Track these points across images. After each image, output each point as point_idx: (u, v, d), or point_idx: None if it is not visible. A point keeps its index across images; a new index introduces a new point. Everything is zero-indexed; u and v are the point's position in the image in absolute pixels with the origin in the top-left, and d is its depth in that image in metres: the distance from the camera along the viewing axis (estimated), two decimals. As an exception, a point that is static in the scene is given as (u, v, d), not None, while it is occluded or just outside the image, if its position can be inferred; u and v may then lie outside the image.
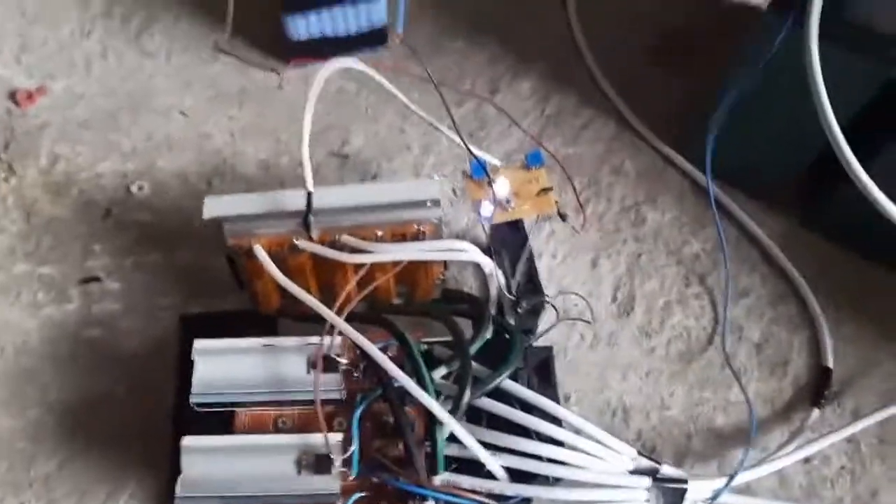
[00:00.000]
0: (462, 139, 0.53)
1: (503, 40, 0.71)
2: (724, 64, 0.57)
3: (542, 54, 0.70)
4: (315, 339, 0.48)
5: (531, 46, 0.70)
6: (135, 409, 0.55)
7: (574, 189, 0.60)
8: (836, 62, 0.49)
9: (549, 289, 0.57)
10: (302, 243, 0.50)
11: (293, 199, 0.50)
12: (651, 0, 0.73)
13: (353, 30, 0.67)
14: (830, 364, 0.55)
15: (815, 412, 0.53)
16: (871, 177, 0.50)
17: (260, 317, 0.56)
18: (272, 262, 0.49)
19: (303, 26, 0.65)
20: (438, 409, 0.43)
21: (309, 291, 0.50)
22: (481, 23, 0.72)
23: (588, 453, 0.44)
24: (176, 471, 0.46)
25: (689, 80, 0.68)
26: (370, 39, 0.69)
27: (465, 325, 0.48)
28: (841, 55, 0.50)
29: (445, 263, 0.56)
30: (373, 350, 0.45)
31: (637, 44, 0.70)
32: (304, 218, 0.49)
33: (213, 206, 0.51)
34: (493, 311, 0.53)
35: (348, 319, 0.47)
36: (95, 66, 0.69)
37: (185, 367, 0.49)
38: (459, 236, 0.61)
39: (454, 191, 0.63)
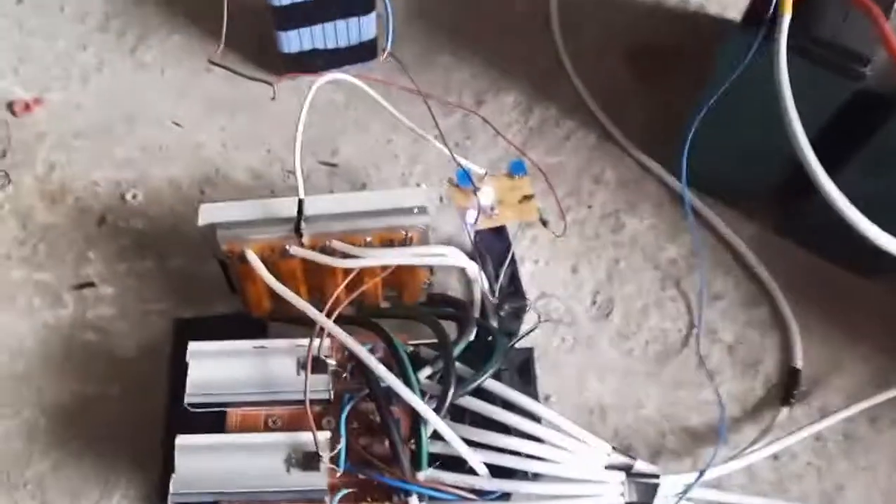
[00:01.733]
0: (448, 148, 0.55)
1: (488, 56, 0.73)
2: (700, 77, 0.60)
3: (526, 69, 0.72)
4: (304, 342, 0.49)
5: (515, 61, 0.73)
6: (127, 410, 0.57)
7: (556, 197, 0.62)
8: (804, 76, 0.52)
9: (531, 293, 0.59)
10: (293, 249, 0.52)
11: (285, 207, 0.52)
12: (630, 17, 0.75)
13: (343, 44, 0.69)
14: (800, 365, 0.58)
15: (785, 411, 0.56)
16: (840, 186, 0.52)
17: (251, 320, 0.57)
18: (264, 267, 0.51)
19: (295, 40, 0.67)
20: (423, 408, 0.45)
21: (299, 295, 0.52)
22: (467, 39, 0.74)
23: (564, 449, 0.46)
24: (168, 470, 0.47)
25: (666, 92, 0.70)
26: (360, 53, 0.71)
27: (451, 328, 0.50)
28: (809, 69, 0.53)
29: (432, 268, 0.58)
30: (360, 351, 0.47)
31: (617, 58, 0.73)
32: (296, 224, 0.51)
33: (209, 213, 0.53)
34: (476, 314, 0.55)
35: (337, 322, 0.49)
36: (92, 78, 0.71)
37: (178, 369, 0.51)
38: (445, 242, 0.62)
39: (441, 198, 0.65)
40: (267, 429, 0.49)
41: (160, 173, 0.66)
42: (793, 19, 0.52)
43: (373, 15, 0.68)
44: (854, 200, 0.52)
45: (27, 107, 0.69)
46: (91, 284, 0.62)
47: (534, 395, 0.53)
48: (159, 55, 0.72)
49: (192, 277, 0.62)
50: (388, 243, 0.52)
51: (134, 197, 0.65)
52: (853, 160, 0.56)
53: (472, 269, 0.53)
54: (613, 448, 0.48)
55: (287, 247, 0.51)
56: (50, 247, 0.63)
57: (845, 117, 0.56)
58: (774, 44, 0.52)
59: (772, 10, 0.52)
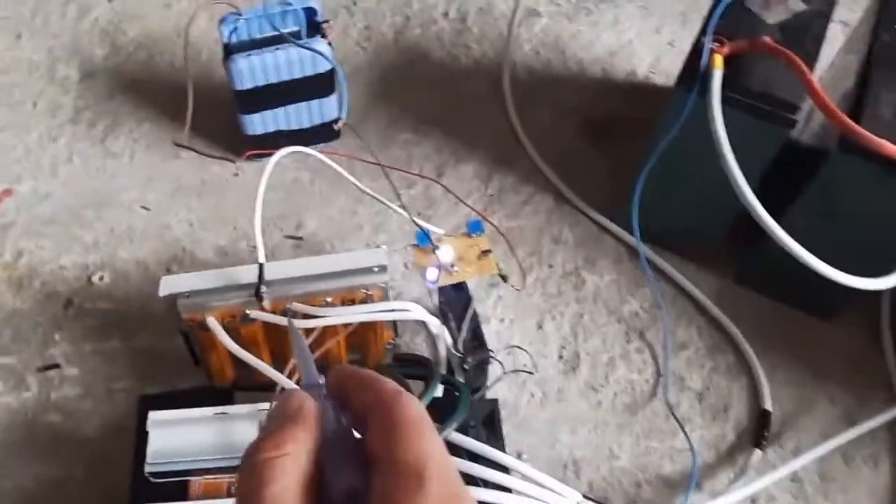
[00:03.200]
0: (407, 211, 0.57)
1: (447, 130, 0.76)
2: (647, 140, 0.62)
3: (484, 141, 0.75)
4: (266, 405, 0.49)
5: (473, 134, 0.76)
6: (92, 490, 0.55)
7: (517, 258, 0.63)
8: (739, 126, 0.55)
9: (498, 349, 0.59)
10: (254, 313, 0.52)
11: (246, 273, 0.53)
12: (578, 90, 0.79)
13: (306, 124, 0.72)
14: (769, 407, 0.58)
15: (758, 453, 0.55)
16: (786, 230, 0.54)
17: (216, 392, 0.57)
18: (224, 332, 0.51)
19: (259, 123, 0.70)
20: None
21: (262, 360, 0.52)
22: (426, 116, 0.77)
23: (534, 498, 0.46)
24: (131, 543, 0.46)
25: (618, 157, 0.73)
26: (323, 133, 0.74)
27: (419, 386, 0.50)
28: (743, 119, 0.55)
29: (396, 329, 0.58)
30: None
31: (570, 128, 0.76)
32: (256, 289, 0.52)
33: (169, 284, 0.53)
34: (442, 369, 0.55)
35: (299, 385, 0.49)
36: (61, 168, 0.73)
37: (142, 443, 0.50)
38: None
39: (405, 265, 0.66)
40: (230, 496, 0.48)
41: (127, 256, 0.67)
42: (725, 75, 0.55)
43: (334, 97, 0.71)
44: (804, 244, 0.54)
45: (-3, 197, 0.70)
46: (56, 366, 0.61)
47: (500, 446, 0.52)
48: (128, 143, 0.74)
49: (157, 355, 0.62)
50: (350, 303, 0.53)
51: (101, 279, 0.66)
52: (796, 204, 0.58)
53: (435, 323, 0.53)
54: (584, 496, 0.47)
55: (247, 311, 0.52)
56: (15, 331, 0.63)
57: (785, 165, 0.58)
58: (708, 97, 0.55)
59: (703, 68, 0.55)
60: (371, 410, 0.22)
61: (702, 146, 0.55)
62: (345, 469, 0.22)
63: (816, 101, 0.52)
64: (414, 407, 0.22)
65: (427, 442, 0.21)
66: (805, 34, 0.59)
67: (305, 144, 0.73)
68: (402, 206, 0.58)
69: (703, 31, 0.58)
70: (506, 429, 0.56)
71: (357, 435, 0.23)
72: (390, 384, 0.23)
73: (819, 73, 0.61)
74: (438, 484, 0.20)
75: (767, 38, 0.55)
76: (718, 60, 0.55)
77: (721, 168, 0.54)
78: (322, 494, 0.22)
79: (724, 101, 0.55)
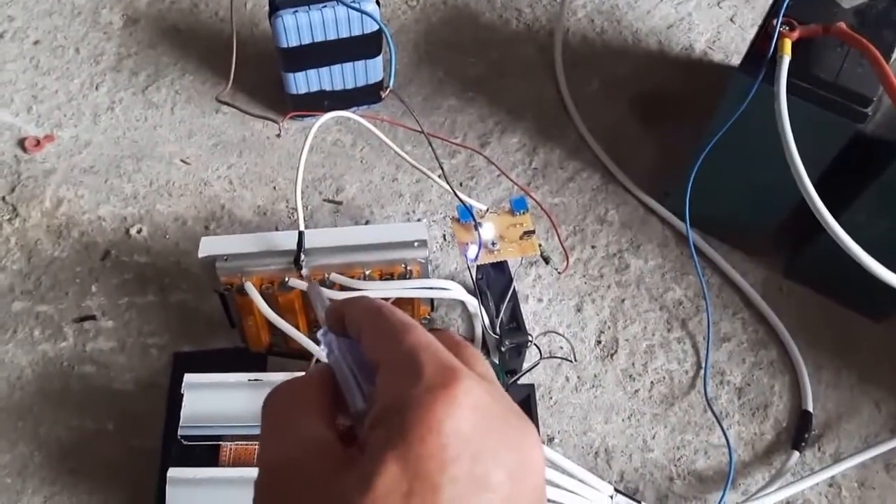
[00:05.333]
0: (449, 184, 0.55)
1: (493, 98, 0.74)
2: (704, 122, 0.60)
3: (531, 112, 0.73)
4: (301, 374, 0.49)
5: (520, 104, 0.74)
6: (123, 444, 0.56)
7: (559, 237, 0.62)
8: (805, 117, 0.52)
9: (534, 331, 0.58)
10: (292, 281, 0.51)
11: (285, 240, 0.52)
12: (631, 63, 0.76)
13: (350, 85, 0.70)
14: (811, 408, 0.56)
15: (796, 455, 0.54)
16: (846, 226, 0.51)
17: (251, 355, 0.57)
18: (262, 299, 0.51)
19: (302, 82, 0.69)
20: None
21: (298, 329, 0.52)
22: (472, 81, 0.75)
23: (566, 489, 0.45)
24: (162, 503, 0.46)
25: (670, 136, 0.71)
26: (367, 95, 0.72)
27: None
28: (810, 110, 0.53)
29: (432, 304, 0.57)
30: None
31: (621, 103, 0.74)
32: (296, 257, 0.51)
33: (209, 245, 0.53)
34: (478, 349, 0.54)
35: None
36: (102, 116, 0.72)
37: (175, 403, 0.50)
38: (448, 279, 0.62)
39: (444, 236, 0.65)
40: (261, 464, 0.48)
41: (166, 210, 0.67)
42: (793, 61, 0.52)
43: (379, 58, 0.69)
44: (861, 240, 0.51)
45: (38, 143, 0.70)
46: (92, 317, 0.61)
47: (535, 433, 0.52)
48: (170, 94, 0.73)
49: (193, 312, 0.61)
50: (388, 276, 0.52)
51: (139, 232, 0.66)
52: (858, 200, 0.56)
53: (472, 303, 0.52)
54: (617, 490, 0.46)
55: (286, 279, 0.51)
56: (53, 280, 0.63)
57: (849, 158, 0.56)
58: (775, 85, 0.52)
59: (771, 53, 0.53)
60: (361, 323, 0.23)
61: (763, 134, 0.53)
62: (355, 389, 0.22)
63: (892, 94, 0.49)
64: (398, 311, 0.23)
65: (414, 335, 0.21)
66: (883, 22, 0.55)
67: (348, 106, 0.72)
68: (444, 178, 0.57)
69: (771, 12, 0.55)
70: (539, 412, 0.55)
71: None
72: (374, 300, 0.23)
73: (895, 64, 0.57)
74: (433, 369, 0.20)
75: (842, 25, 0.52)
76: (787, 46, 0.52)
77: (781, 158, 0.52)
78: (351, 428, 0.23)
79: (791, 89, 0.52)
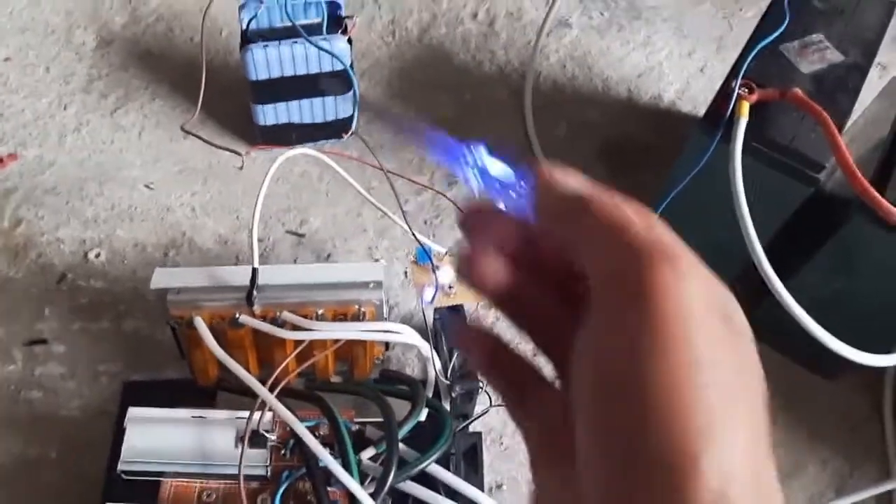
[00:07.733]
0: (409, 226, 0.55)
1: (462, 138, 0.74)
2: (667, 170, 0.61)
3: (498, 152, 0.73)
4: (246, 414, 0.48)
5: (488, 146, 0.74)
6: (65, 473, 0.55)
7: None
8: (760, 178, 0.53)
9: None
10: (243, 318, 0.51)
11: (239, 275, 0.52)
12: (600, 109, 0.77)
13: (319, 119, 0.71)
14: (756, 466, 0.56)
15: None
16: (800, 286, 0.52)
17: (202, 387, 0.56)
18: (210, 334, 0.50)
19: (271, 114, 0.69)
20: (360, 493, 0.44)
21: (248, 365, 0.51)
22: (442, 120, 0.75)
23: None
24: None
25: (635, 186, 0.71)
26: (335, 129, 0.72)
27: (405, 406, 0.49)
28: (764, 172, 0.54)
29: (387, 344, 0.57)
30: (299, 428, 0.46)
31: (587, 148, 0.75)
32: (248, 293, 0.51)
33: (161, 277, 0.52)
34: (430, 394, 0.54)
35: (284, 395, 0.48)
36: (69, 137, 0.72)
37: (122, 433, 0.50)
38: (406, 318, 0.62)
39: (406, 273, 0.65)
40: (200, 503, 0.48)
41: (126, 235, 0.66)
42: (750, 122, 0.53)
43: (350, 94, 0.69)
44: (815, 300, 0.52)
45: (1, 161, 0.69)
46: (43, 341, 0.61)
47: (479, 483, 0.52)
48: (138, 118, 0.73)
49: (146, 340, 0.61)
50: (342, 317, 0.52)
51: (97, 256, 0.65)
52: (812, 261, 0.56)
53: (425, 347, 0.52)
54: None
55: (237, 315, 0.51)
56: (5, 301, 0.62)
57: (803, 219, 0.56)
58: (730, 146, 0.53)
59: (729, 114, 0.54)
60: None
61: (719, 192, 0.54)
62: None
63: (842, 165, 0.50)
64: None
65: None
66: (839, 88, 0.57)
67: (317, 139, 0.72)
68: (405, 219, 0.57)
69: (732, 73, 0.56)
70: (488, 457, 0.55)
71: None
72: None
73: (853, 119, 0.59)
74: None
75: (798, 91, 0.53)
76: (745, 108, 0.53)
77: (735, 216, 0.53)
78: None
79: (747, 150, 0.53)
